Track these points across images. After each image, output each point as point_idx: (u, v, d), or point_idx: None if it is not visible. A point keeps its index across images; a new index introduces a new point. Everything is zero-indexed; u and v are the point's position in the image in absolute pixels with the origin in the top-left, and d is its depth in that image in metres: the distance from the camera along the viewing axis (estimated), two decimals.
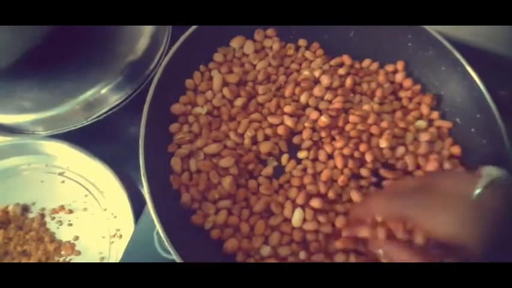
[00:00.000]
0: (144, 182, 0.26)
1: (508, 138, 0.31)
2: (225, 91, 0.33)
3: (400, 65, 0.37)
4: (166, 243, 0.25)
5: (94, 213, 0.40)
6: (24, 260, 0.38)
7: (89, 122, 0.39)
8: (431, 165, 0.33)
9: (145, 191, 0.26)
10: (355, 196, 0.31)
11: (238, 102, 0.33)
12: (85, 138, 0.41)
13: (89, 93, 0.38)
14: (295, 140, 0.33)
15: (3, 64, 0.37)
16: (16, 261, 0.38)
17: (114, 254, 0.38)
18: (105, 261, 0.38)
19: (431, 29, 0.34)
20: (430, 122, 0.35)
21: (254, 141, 0.32)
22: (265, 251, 0.29)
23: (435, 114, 0.35)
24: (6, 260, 0.38)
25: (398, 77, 0.37)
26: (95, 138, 0.43)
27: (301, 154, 0.33)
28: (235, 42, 0.36)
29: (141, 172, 0.26)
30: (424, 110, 0.36)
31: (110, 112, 0.40)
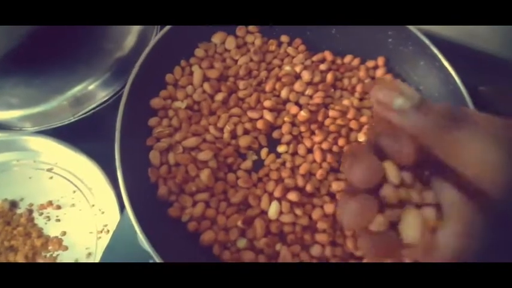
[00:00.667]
0: (119, 175, 0.26)
1: None
2: (206, 86, 0.34)
3: (380, 60, 0.37)
4: (142, 238, 0.25)
5: (82, 209, 0.41)
6: (11, 255, 0.38)
7: (76, 118, 0.40)
8: None
9: (120, 183, 0.26)
10: (336, 186, 0.31)
11: (219, 97, 0.34)
12: (73, 135, 0.42)
13: (77, 90, 0.39)
14: (275, 134, 0.34)
15: None
16: (2, 256, 0.38)
17: (101, 249, 0.38)
18: (92, 256, 0.38)
19: (412, 25, 0.35)
20: None
21: (234, 135, 0.32)
22: (242, 243, 0.29)
23: None
24: None
25: (379, 72, 0.37)
26: (83, 134, 0.43)
27: (281, 148, 0.33)
28: (216, 38, 0.36)
29: (116, 165, 0.27)
30: None
31: (97, 108, 0.40)
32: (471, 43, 0.41)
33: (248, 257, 0.28)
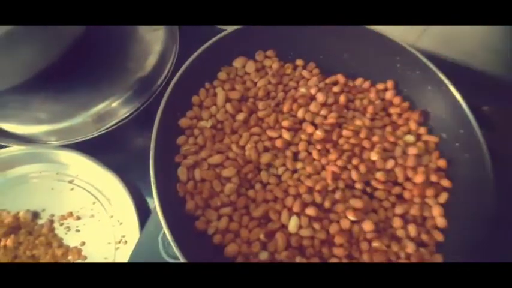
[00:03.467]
0: (154, 189, 0.28)
1: (489, 153, 0.33)
2: (228, 106, 0.36)
3: (390, 83, 0.40)
4: (172, 244, 0.27)
5: (101, 220, 0.42)
6: None
7: (99, 133, 0.42)
8: (419, 177, 0.35)
9: (154, 197, 0.28)
10: (357, 203, 0.32)
11: (240, 116, 0.36)
12: (95, 148, 0.43)
13: (100, 107, 0.41)
14: (292, 151, 0.36)
15: (22, 79, 0.39)
16: None
17: (119, 259, 0.40)
18: None
19: (418, 52, 0.37)
20: (418, 137, 0.38)
21: (254, 152, 0.35)
22: (263, 255, 0.31)
23: (423, 130, 0.38)
24: None
25: (388, 94, 0.40)
26: (104, 148, 0.45)
27: (298, 165, 0.35)
28: (237, 62, 0.39)
29: (151, 180, 0.29)
30: (413, 125, 0.38)
31: (119, 124, 0.42)
32: (473, 64, 0.44)
33: None
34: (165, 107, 0.31)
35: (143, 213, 0.40)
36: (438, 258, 0.32)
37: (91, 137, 0.42)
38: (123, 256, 0.39)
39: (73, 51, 0.39)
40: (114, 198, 0.43)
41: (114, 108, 0.42)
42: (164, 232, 0.30)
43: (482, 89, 0.41)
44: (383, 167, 0.36)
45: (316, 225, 0.31)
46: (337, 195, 0.33)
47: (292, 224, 0.31)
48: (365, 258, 0.31)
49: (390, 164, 0.36)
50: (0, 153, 0.44)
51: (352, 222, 0.33)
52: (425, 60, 0.37)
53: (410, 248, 0.32)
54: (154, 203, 0.29)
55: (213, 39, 0.36)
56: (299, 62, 0.41)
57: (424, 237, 0.33)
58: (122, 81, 0.43)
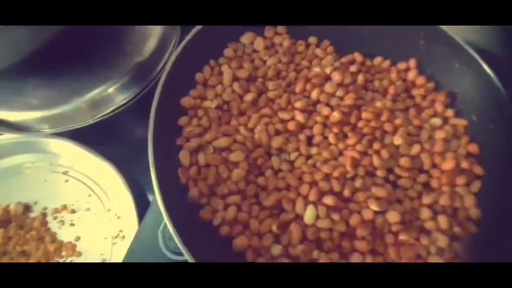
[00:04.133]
0: (153, 174, 0.25)
1: None
2: (235, 86, 0.33)
3: (412, 62, 0.36)
4: (174, 237, 0.23)
5: (97, 213, 0.39)
6: (23, 260, 0.37)
7: (94, 121, 0.39)
8: (448, 164, 0.32)
9: (153, 183, 0.25)
10: (380, 192, 0.29)
11: (249, 97, 0.32)
12: (91, 138, 0.41)
13: (96, 92, 0.38)
14: (306, 135, 0.32)
15: (12, 62, 0.37)
16: (15, 261, 0.36)
17: (116, 255, 0.37)
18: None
19: (443, 26, 0.34)
20: (445, 120, 0.34)
21: (265, 136, 0.31)
22: (276, 249, 0.27)
23: (450, 112, 0.35)
24: (5, 260, 0.36)
25: (411, 74, 0.36)
26: (100, 137, 0.42)
27: (312, 150, 0.32)
28: (245, 38, 0.36)
29: (149, 163, 0.26)
30: (439, 107, 0.35)
31: (116, 111, 0.39)
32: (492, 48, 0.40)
33: None
34: (164, 83, 0.28)
35: (142, 207, 0.37)
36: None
37: (86, 125, 0.39)
38: (120, 252, 0.36)
39: (66, 33, 0.37)
40: (111, 190, 0.40)
41: (110, 94, 0.39)
42: (164, 224, 0.27)
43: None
44: (407, 153, 0.32)
45: (335, 216, 0.28)
46: (358, 183, 0.30)
47: (309, 215, 0.28)
48: (391, 253, 0.28)
49: (415, 149, 0.32)
50: None
51: (375, 213, 0.29)
52: (451, 34, 0.33)
53: (442, 241, 0.28)
54: (154, 194, 0.25)
55: None
56: (312, 39, 0.37)
57: (457, 229, 0.29)
58: (119, 65, 0.40)
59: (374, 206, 0.29)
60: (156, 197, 0.24)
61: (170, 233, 0.24)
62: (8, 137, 0.41)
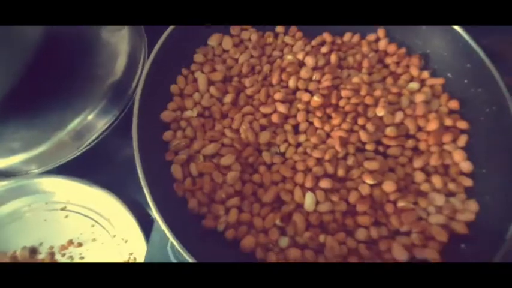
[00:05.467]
0: (148, 196, 0.25)
1: (502, 80, 0.30)
2: (212, 90, 0.33)
3: (381, 32, 0.37)
4: (183, 253, 0.24)
5: (104, 242, 0.39)
6: None
7: (80, 152, 0.38)
8: (432, 125, 0.32)
9: (150, 204, 0.25)
10: (372, 165, 0.30)
11: (228, 98, 0.33)
12: (80, 168, 0.40)
13: (76, 123, 0.37)
14: (291, 125, 0.33)
15: None
16: None
17: None
18: None
19: None
20: (422, 82, 0.35)
21: (251, 133, 0.31)
22: (284, 242, 0.28)
23: (425, 74, 0.35)
24: None
25: (382, 44, 0.37)
26: (90, 166, 0.42)
27: (300, 138, 0.32)
28: (213, 40, 0.35)
29: (142, 186, 0.26)
30: (414, 71, 0.35)
31: (100, 138, 0.39)
32: None
33: (294, 254, 0.27)
34: (140, 102, 0.28)
35: (147, 224, 0.37)
36: (472, 205, 0.29)
37: (73, 157, 0.39)
38: None
39: (35, 70, 0.36)
40: (113, 216, 0.40)
41: (91, 121, 0.38)
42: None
43: None
44: (392, 122, 0.33)
45: (334, 198, 0.29)
46: (350, 161, 0.30)
47: (308, 202, 0.28)
48: (393, 222, 0.28)
49: (399, 116, 0.33)
50: None
51: (371, 186, 0.30)
52: None
53: (439, 200, 0.29)
54: None
55: None
56: (279, 28, 0.37)
57: (452, 186, 0.30)
58: (93, 91, 0.39)
59: (369, 180, 0.29)
60: (157, 219, 0.24)
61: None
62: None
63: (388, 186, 0.30)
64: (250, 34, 0.36)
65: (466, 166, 0.31)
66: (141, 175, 0.25)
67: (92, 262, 0.37)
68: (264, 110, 0.32)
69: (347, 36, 0.37)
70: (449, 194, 0.30)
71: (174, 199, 0.28)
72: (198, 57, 0.34)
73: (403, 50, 0.36)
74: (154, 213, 0.25)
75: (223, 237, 0.28)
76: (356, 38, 0.37)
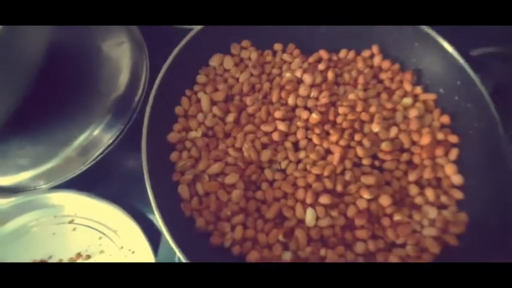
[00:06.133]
0: (157, 214, 0.27)
1: (489, 96, 0.32)
2: (215, 110, 0.34)
3: (375, 48, 0.38)
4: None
5: (112, 253, 0.40)
6: None
7: (87, 166, 0.40)
8: (425, 139, 0.34)
9: (159, 222, 0.26)
10: (369, 180, 0.31)
11: (230, 118, 0.34)
12: (87, 182, 0.41)
13: (82, 138, 0.38)
14: (291, 142, 0.34)
15: None
16: None
17: None
18: None
19: None
20: (416, 98, 0.37)
21: (253, 152, 0.33)
22: (287, 256, 0.29)
23: (418, 89, 0.37)
24: None
25: (376, 60, 0.38)
26: (96, 179, 0.43)
27: (300, 154, 0.34)
28: (214, 61, 0.37)
29: (152, 206, 0.27)
30: (407, 87, 0.37)
31: (106, 152, 0.40)
32: None
33: None
34: (148, 125, 0.29)
35: (154, 236, 0.39)
36: (463, 217, 0.31)
37: (80, 172, 0.40)
38: None
39: (38, 88, 0.37)
40: (120, 228, 0.41)
41: (96, 136, 0.40)
42: None
43: (467, 33, 0.40)
44: (387, 137, 0.34)
45: (334, 213, 0.30)
46: (347, 176, 0.32)
47: (309, 218, 0.30)
48: (389, 235, 0.30)
49: (393, 131, 0.34)
50: None
51: (369, 200, 0.31)
52: None
53: (432, 213, 0.31)
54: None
55: (183, 42, 0.33)
56: (277, 46, 0.38)
57: (444, 198, 0.32)
58: (97, 107, 0.40)
59: (366, 195, 0.31)
60: (166, 236, 0.26)
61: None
62: (7, 201, 0.42)
63: (385, 200, 0.31)
64: (250, 53, 0.37)
65: (457, 179, 0.33)
66: (151, 197, 0.27)
67: (96, 262, 0.38)
68: (265, 128, 0.34)
69: (343, 53, 0.39)
70: (442, 207, 0.32)
71: (182, 217, 0.30)
72: (201, 77, 0.36)
73: (396, 66, 0.37)
74: (164, 231, 0.26)
75: (228, 253, 0.29)
76: (351, 54, 0.38)
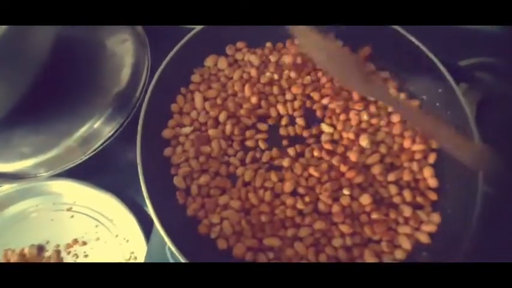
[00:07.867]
0: (149, 204, 0.28)
1: (467, 105, 0.34)
2: (207, 106, 0.36)
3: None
4: (177, 254, 0.27)
5: (107, 241, 0.42)
6: None
7: (87, 157, 0.41)
8: (407, 142, 0.36)
9: (150, 212, 0.28)
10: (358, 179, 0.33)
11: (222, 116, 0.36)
12: (86, 172, 0.43)
13: (83, 130, 0.40)
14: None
15: None
16: None
17: None
18: None
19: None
20: None
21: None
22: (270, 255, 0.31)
23: (403, 96, 0.38)
24: None
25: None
26: (95, 170, 0.45)
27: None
28: (209, 61, 0.38)
29: (144, 195, 0.29)
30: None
31: (105, 144, 0.41)
32: None
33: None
34: (144, 121, 0.31)
35: (147, 226, 0.40)
36: (435, 218, 0.33)
37: (80, 162, 0.41)
38: None
39: (44, 79, 0.39)
40: (115, 217, 0.43)
41: (97, 129, 0.41)
42: None
43: (458, 44, 0.41)
44: (376, 150, 0.35)
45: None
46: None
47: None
48: (367, 231, 0.32)
49: (380, 136, 0.36)
50: None
51: (351, 198, 0.33)
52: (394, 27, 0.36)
53: (407, 212, 0.33)
54: None
55: (180, 43, 0.35)
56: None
57: (419, 199, 0.34)
58: (99, 100, 0.42)
59: (346, 191, 0.33)
60: (155, 223, 0.28)
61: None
62: (8, 187, 0.43)
63: (365, 199, 0.33)
64: (244, 55, 0.39)
65: (433, 182, 0.34)
66: (143, 187, 0.29)
67: (92, 262, 0.39)
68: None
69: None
70: (417, 207, 0.34)
71: (172, 205, 0.32)
72: (195, 77, 0.38)
73: (385, 74, 0.39)
74: (154, 220, 0.28)
75: (215, 244, 0.31)
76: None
